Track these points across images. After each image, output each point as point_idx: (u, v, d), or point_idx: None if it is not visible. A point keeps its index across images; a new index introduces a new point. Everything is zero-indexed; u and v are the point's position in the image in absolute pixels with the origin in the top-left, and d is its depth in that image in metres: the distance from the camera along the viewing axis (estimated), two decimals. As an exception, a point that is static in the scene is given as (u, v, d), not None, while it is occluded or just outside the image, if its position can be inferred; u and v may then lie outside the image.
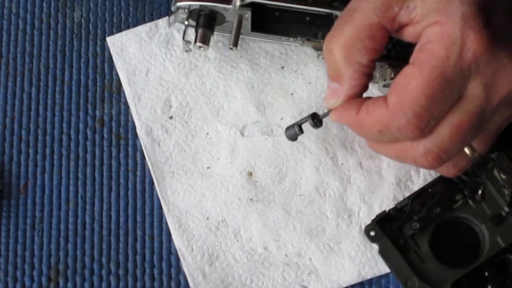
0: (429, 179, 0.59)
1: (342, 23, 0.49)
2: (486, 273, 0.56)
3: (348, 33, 0.48)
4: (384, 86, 0.58)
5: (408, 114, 0.47)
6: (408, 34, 0.48)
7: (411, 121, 0.47)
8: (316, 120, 0.54)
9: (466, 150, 0.51)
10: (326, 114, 0.53)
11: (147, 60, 0.64)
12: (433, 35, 0.46)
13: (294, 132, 0.56)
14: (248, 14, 0.59)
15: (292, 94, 0.63)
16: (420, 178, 0.60)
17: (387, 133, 0.49)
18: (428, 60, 0.46)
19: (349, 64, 0.49)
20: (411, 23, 0.48)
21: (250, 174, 0.61)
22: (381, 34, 0.48)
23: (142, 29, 0.65)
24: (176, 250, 0.60)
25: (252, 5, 0.58)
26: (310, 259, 0.59)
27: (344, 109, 0.51)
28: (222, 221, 0.60)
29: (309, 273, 0.59)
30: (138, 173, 0.62)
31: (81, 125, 0.63)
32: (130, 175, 0.62)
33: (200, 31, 0.60)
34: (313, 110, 0.62)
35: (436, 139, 0.48)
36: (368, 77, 0.50)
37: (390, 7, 0.48)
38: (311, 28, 0.60)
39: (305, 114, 0.62)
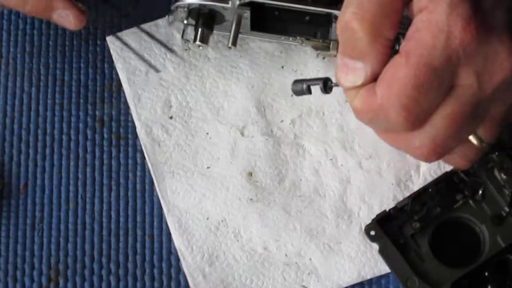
0: (429, 179, 0.59)
1: None
2: (486, 273, 0.56)
3: (373, 10, 0.46)
4: None
5: (396, 106, 0.45)
6: (411, 9, 0.46)
7: (400, 113, 0.45)
8: (327, 86, 0.51)
9: (474, 140, 0.50)
10: (336, 85, 0.50)
11: (147, 60, 0.64)
12: (421, 22, 0.45)
13: (301, 88, 0.53)
14: (247, 13, 0.59)
15: (292, 94, 0.63)
16: (420, 178, 0.60)
17: (378, 123, 0.47)
18: (415, 49, 0.45)
19: (376, 41, 0.46)
20: None
21: (250, 174, 0.61)
22: (401, 5, 0.46)
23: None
24: (176, 250, 0.60)
25: (251, 4, 0.58)
26: (310, 259, 0.59)
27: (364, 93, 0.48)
28: (222, 221, 0.60)
29: (309, 273, 0.59)
30: (138, 173, 0.62)
31: (81, 125, 0.63)
32: (130, 175, 0.62)
33: (199, 30, 0.60)
34: (314, 110, 0.62)
35: (430, 132, 0.47)
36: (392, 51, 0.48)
37: None
38: (310, 27, 0.60)
39: (305, 114, 0.62)
